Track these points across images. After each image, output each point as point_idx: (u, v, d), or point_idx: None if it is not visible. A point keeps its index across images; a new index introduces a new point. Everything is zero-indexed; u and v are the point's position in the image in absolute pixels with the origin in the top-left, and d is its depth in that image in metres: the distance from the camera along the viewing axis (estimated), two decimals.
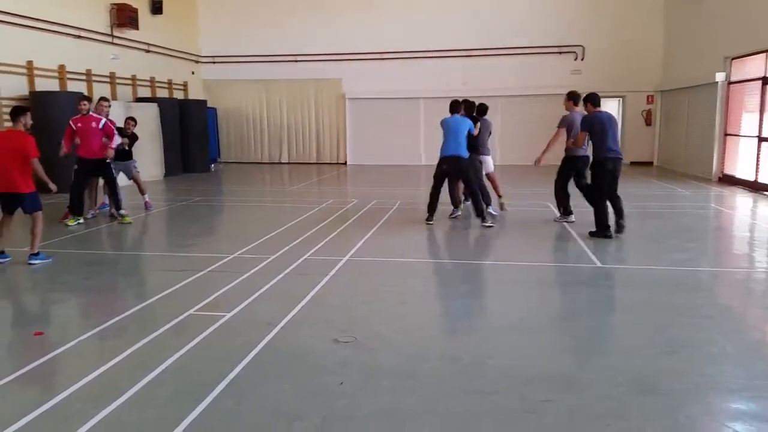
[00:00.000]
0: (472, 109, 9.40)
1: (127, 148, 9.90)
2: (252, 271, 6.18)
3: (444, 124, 8.87)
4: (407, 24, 19.12)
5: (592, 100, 7.99)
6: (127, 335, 4.45)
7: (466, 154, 8.69)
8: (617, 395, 3.44)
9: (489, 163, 9.61)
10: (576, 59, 18.69)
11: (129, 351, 4.06)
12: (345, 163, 20.31)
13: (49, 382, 3.64)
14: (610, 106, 21.24)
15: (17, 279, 6.27)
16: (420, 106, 19.37)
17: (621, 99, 19.40)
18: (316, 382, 3.62)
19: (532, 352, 4.13)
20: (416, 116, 19.46)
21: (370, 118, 19.89)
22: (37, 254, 6.60)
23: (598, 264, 6.46)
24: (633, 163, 18.79)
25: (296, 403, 3.35)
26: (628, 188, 13.53)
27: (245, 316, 4.83)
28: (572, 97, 8.74)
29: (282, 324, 4.59)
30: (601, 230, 7.68)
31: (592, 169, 7.94)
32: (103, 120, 8.88)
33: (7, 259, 6.64)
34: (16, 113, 6.66)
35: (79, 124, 8.85)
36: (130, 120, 10.21)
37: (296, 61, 19.89)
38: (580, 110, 8.39)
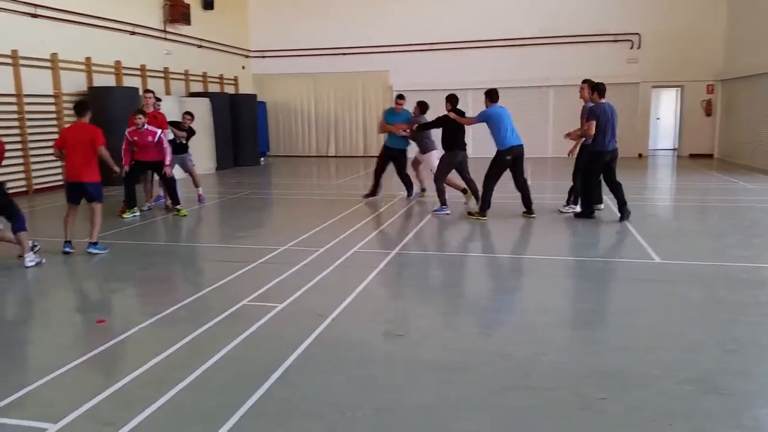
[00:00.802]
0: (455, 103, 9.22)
1: (184, 141, 10.15)
2: (302, 263, 6.24)
3: (498, 114, 8.50)
4: (455, 14, 18.91)
5: (601, 89, 8.18)
6: (184, 324, 4.57)
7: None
8: (679, 394, 3.32)
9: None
10: (632, 48, 18.08)
11: (187, 339, 4.17)
12: None
13: (112, 368, 3.77)
14: (667, 97, 20.59)
15: (78, 268, 6.51)
16: (468, 98, 19.15)
17: (679, 89, 18.73)
18: (367, 374, 3.63)
19: (588, 348, 4.03)
20: (464, 108, 19.29)
21: None
22: (95, 243, 6.86)
23: (657, 259, 6.25)
24: (692, 156, 18.14)
25: (349, 394, 3.37)
26: (687, 181, 13.08)
27: (297, 308, 4.88)
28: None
29: (333, 316, 4.62)
30: (586, 210, 8.31)
31: (589, 158, 8.30)
32: (158, 133, 8.95)
33: (72, 250, 6.90)
34: (83, 107, 7.03)
35: (135, 138, 8.95)
36: (187, 115, 10.44)
37: (344, 54, 19.97)
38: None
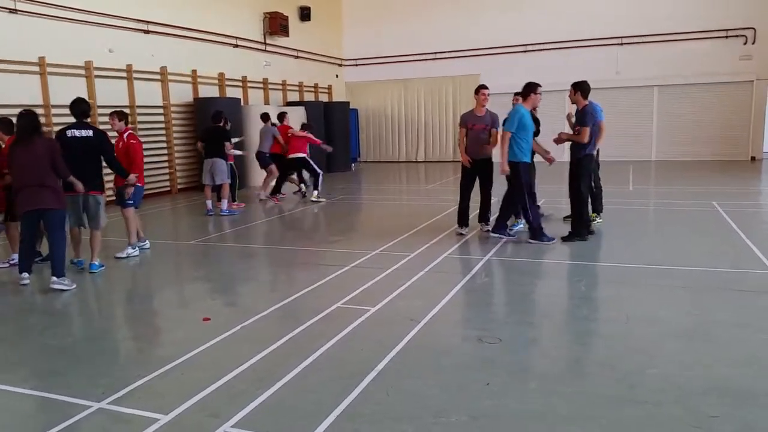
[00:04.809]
0: None
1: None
2: (393, 267, 6.29)
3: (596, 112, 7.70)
4: (547, 14, 18.47)
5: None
6: (282, 324, 4.73)
7: None
8: None
9: None
10: (745, 43, 16.86)
11: (284, 339, 4.31)
12: None
13: (217, 363, 3.94)
14: None
15: (181, 267, 6.89)
16: (564, 100, 18.60)
17: None
18: (461, 380, 3.59)
19: (701, 362, 3.78)
20: (561, 110, 18.74)
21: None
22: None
23: None
24: None
25: (443, 399, 3.35)
26: None
27: (389, 312, 4.92)
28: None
29: (425, 321, 4.62)
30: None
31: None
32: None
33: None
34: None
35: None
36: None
37: (434, 59, 20.01)
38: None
